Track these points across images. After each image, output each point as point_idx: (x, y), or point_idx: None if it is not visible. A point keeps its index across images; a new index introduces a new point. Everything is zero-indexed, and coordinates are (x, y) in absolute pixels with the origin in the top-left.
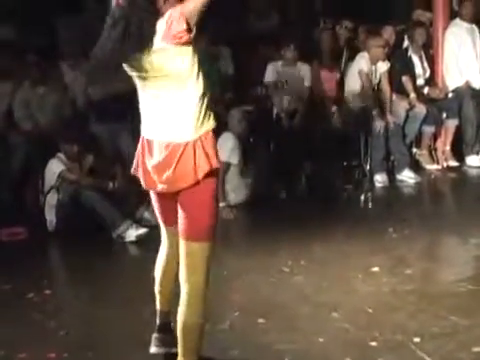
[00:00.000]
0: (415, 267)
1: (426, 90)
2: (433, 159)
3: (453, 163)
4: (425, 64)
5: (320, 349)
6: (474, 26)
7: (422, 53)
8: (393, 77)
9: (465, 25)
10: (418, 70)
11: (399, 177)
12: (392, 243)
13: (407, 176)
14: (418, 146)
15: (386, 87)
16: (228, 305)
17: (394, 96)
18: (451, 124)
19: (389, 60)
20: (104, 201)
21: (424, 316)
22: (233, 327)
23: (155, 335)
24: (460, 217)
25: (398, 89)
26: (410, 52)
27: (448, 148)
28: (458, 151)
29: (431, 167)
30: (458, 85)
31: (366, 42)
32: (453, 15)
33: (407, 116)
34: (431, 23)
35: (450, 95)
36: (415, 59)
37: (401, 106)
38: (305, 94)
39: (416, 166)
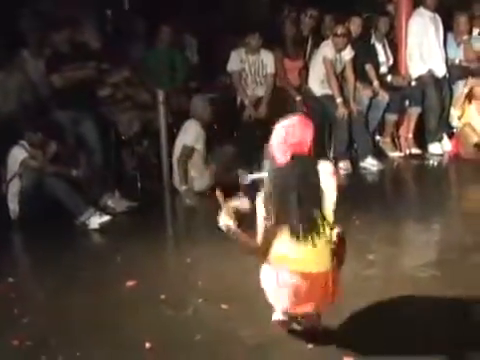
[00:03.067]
0: (378, 253)
1: (389, 78)
2: (396, 146)
3: (415, 150)
4: (388, 52)
5: (283, 335)
6: (437, 15)
7: (385, 41)
8: (357, 65)
9: (428, 14)
10: (381, 58)
11: (362, 164)
12: (355, 229)
13: (370, 163)
14: (381, 134)
15: (350, 75)
16: (192, 292)
17: (358, 84)
18: (414, 112)
19: (353, 48)
20: (67, 189)
21: (386, 301)
22: (197, 313)
23: None
24: (422, 203)
25: (362, 77)
26: (373, 40)
27: (411, 136)
28: (421, 139)
29: (394, 154)
30: (421, 73)
31: (330, 30)
32: (416, 4)
33: (370, 104)
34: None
35: (413, 83)
36: (378, 47)
37: (364, 94)
38: (269, 82)
39: (379, 153)
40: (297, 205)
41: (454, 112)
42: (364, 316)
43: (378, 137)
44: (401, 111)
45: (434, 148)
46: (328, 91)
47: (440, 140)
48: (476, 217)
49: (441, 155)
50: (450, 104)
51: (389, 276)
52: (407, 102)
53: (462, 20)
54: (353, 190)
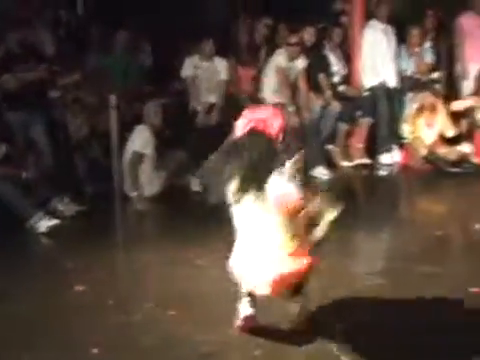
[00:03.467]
0: (326, 262)
1: (342, 88)
2: (347, 156)
3: (366, 160)
4: (341, 63)
5: (234, 341)
6: (389, 27)
7: (339, 52)
8: (310, 74)
9: (381, 26)
10: (334, 68)
11: (313, 173)
12: None
13: (321, 173)
14: (332, 143)
15: (303, 84)
16: (141, 297)
17: (310, 93)
18: (365, 122)
19: (306, 58)
20: (16, 191)
21: (331, 308)
22: (146, 318)
23: None
24: (371, 213)
25: (314, 86)
26: (327, 50)
27: (362, 146)
28: (371, 149)
29: (344, 164)
30: (373, 84)
31: (284, 39)
32: (369, 16)
33: (322, 113)
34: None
35: (365, 94)
36: (332, 57)
37: (317, 103)
38: (222, 89)
39: (330, 163)
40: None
41: (405, 127)
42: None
43: (329, 146)
44: (353, 121)
45: (384, 158)
46: (280, 99)
47: (390, 151)
48: (423, 227)
49: (391, 165)
50: (401, 115)
51: (335, 284)
52: (359, 112)
53: (414, 33)
54: None
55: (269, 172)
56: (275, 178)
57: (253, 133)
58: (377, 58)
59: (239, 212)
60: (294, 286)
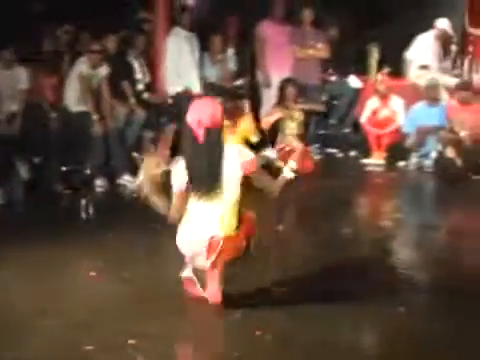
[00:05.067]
0: (134, 270)
1: (146, 95)
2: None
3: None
4: (145, 70)
5: (34, 357)
6: (193, 34)
7: (142, 59)
8: (113, 82)
9: (184, 33)
10: (138, 76)
11: (119, 181)
12: (111, 247)
13: (127, 180)
14: (138, 151)
15: (106, 92)
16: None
17: (114, 101)
18: (170, 129)
19: (109, 65)
20: None
21: (141, 318)
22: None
23: None
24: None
25: (118, 94)
26: (130, 58)
27: (168, 152)
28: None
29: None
30: (177, 91)
31: (86, 47)
32: (173, 23)
33: (127, 121)
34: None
35: (169, 101)
36: (135, 65)
37: (121, 111)
38: (22, 97)
39: (136, 170)
40: (206, 169)
41: None
42: (119, 334)
43: (135, 154)
44: (157, 128)
45: None
46: (84, 108)
47: None
48: None
49: None
50: None
51: (146, 293)
52: (164, 119)
53: (217, 40)
54: (110, 207)
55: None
56: (231, 149)
57: (210, 132)
58: (180, 65)
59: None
60: (232, 255)
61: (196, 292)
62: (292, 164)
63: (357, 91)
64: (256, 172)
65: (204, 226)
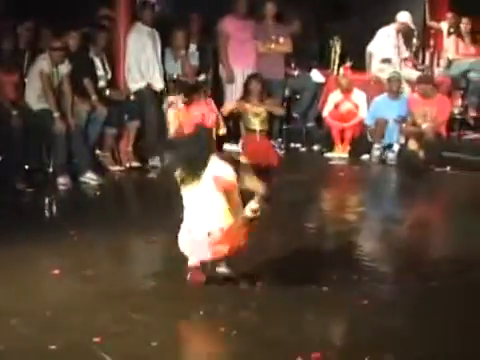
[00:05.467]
0: (97, 268)
1: (108, 92)
2: (116, 160)
3: (136, 164)
4: (107, 67)
5: None
6: (154, 30)
7: (104, 56)
8: (75, 79)
9: (146, 29)
10: (100, 72)
11: (82, 179)
12: (74, 246)
13: (90, 178)
14: (101, 148)
15: (67, 89)
16: None
17: (75, 98)
18: (133, 126)
19: (71, 62)
20: None
21: (105, 316)
22: None
23: None
24: (143, 217)
25: (80, 91)
26: (92, 54)
27: (130, 149)
28: (141, 152)
29: (114, 168)
30: (139, 88)
31: (47, 44)
32: (134, 19)
33: (89, 118)
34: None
35: (132, 97)
36: (97, 61)
37: (82, 108)
38: None
39: (99, 168)
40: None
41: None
42: (82, 332)
43: (98, 151)
44: (120, 125)
45: (154, 161)
46: (45, 105)
47: (158, 153)
48: None
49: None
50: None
51: (108, 291)
52: (126, 116)
53: (180, 36)
54: (73, 206)
55: (207, 159)
56: (213, 161)
57: (198, 128)
58: (142, 61)
59: (185, 195)
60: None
61: (201, 280)
62: (253, 205)
63: (320, 85)
64: (227, 192)
65: (204, 217)
